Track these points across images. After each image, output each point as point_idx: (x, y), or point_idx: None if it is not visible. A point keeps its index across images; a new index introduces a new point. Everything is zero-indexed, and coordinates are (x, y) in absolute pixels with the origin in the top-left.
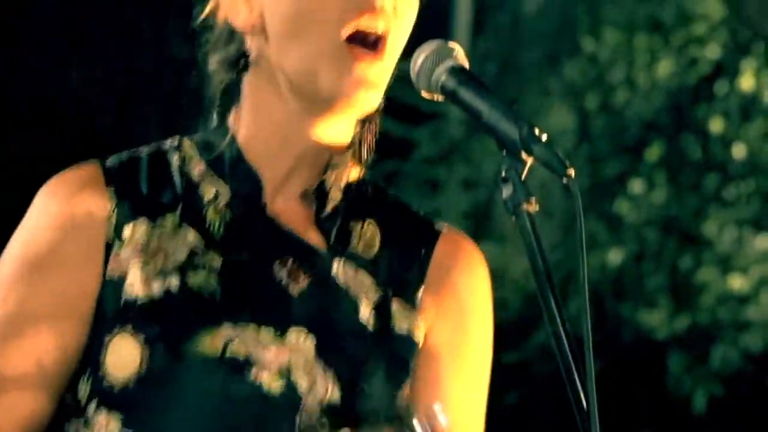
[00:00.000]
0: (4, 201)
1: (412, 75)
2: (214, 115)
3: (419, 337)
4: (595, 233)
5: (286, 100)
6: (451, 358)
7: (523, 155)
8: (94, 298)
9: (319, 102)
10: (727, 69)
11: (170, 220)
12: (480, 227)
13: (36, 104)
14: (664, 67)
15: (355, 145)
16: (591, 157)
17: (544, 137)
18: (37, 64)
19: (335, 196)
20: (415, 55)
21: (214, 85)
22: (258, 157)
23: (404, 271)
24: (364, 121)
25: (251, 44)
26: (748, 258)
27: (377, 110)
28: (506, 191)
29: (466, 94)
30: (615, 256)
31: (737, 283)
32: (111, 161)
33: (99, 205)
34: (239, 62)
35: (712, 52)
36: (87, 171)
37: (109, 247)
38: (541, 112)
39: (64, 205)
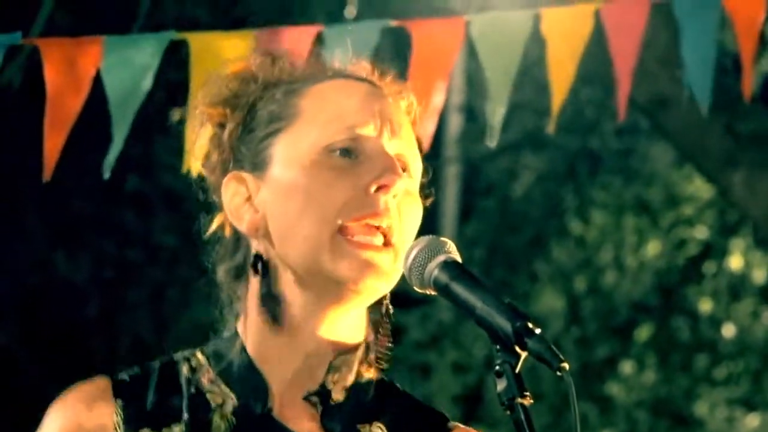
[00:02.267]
0: None
1: (405, 271)
2: (225, 324)
3: None
4: (587, 415)
5: (295, 297)
6: None
7: (517, 349)
8: None
9: (328, 292)
10: (715, 249)
11: (176, 430)
12: (471, 410)
13: (23, 293)
14: (653, 248)
15: (362, 347)
16: (581, 339)
17: (538, 331)
18: (24, 254)
19: (337, 398)
20: (408, 249)
21: (222, 294)
22: (266, 361)
23: None
24: (376, 323)
25: (258, 247)
26: None
27: (387, 311)
28: (500, 385)
29: (459, 289)
30: None
31: None
32: (122, 375)
33: (107, 418)
34: (255, 267)
35: (701, 232)
36: (96, 385)
37: None
38: (530, 295)
39: (74, 421)
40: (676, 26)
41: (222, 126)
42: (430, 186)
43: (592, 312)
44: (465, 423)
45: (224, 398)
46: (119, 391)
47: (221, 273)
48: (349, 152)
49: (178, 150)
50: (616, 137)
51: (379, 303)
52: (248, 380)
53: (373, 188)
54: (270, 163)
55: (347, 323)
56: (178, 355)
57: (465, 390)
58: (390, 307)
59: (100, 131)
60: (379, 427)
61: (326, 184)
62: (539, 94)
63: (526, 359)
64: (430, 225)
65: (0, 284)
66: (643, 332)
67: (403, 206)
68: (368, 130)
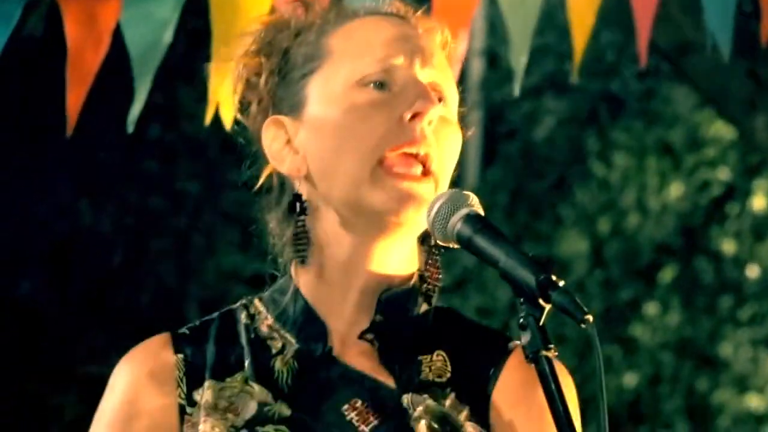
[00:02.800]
0: (9, 338)
1: (428, 224)
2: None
3: None
4: (611, 357)
5: (341, 236)
6: None
7: (541, 302)
8: None
9: (372, 226)
10: (738, 190)
11: (238, 378)
12: None
13: (48, 243)
14: (676, 190)
15: (414, 279)
16: (605, 281)
17: (561, 283)
18: (48, 204)
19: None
20: (430, 204)
21: (276, 241)
22: (322, 302)
23: (477, 392)
24: (428, 251)
25: (301, 189)
26: (765, 377)
27: (436, 243)
28: (524, 338)
29: (482, 242)
30: (631, 380)
31: (754, 402)
32: (183, 329)
33: (168, 374)
34: (293, 206)
35: (723, 174)
36: (157, 342)
37: (183, 412)
38: (554, 238)
39: (138, 380)
40: None
41: (258, 74)
42: (465, 119)
43: (615, 254)
44: None
45: (284, 343)
46: (179, 345)
47: (272, 220)
48: (382, 84)
49: (200, 98)
50: (638, 80)
51: (427, 234)
52: (306, 323)
53: (407, 116)
54: (306, 103)
55: (398, 256)
56: (238, 304)
57: None
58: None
59: (122, 85)
60: (441, 355)
61: (361, 118)
62: (561, 38)
63: (550, 312)
64: (453, 171)
65: (25, 234)
66: (667, 274)
67: (440, 133)
68: (399, 61)
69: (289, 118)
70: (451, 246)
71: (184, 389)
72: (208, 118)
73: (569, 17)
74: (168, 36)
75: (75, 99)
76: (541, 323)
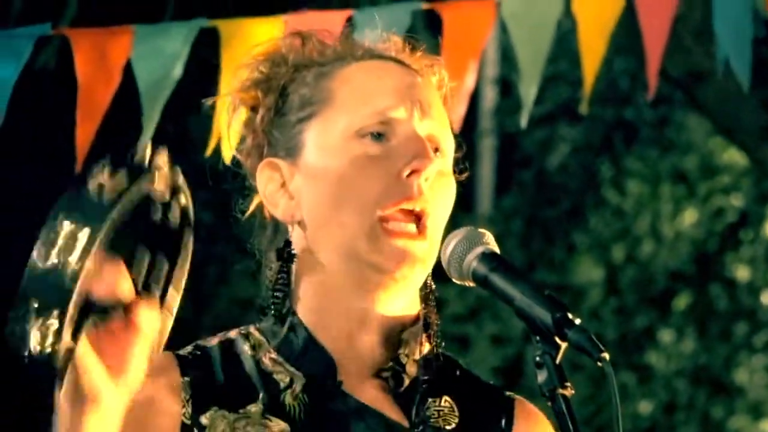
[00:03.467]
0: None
1: (443, 262)
2: (274, 304)
3: None
4: (626, 384)
5: (338, 282)
6: None
7: (557, 340)
8: None
9: (369, 280)
10: (752, 217)
11: (253, 410)
12: (510, 382)
13: None
14: (689, 217)
15: (422, 321)
16: (619, 309)
17: (577, 321)
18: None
19: (411, 372)
20: (446, 242)
21: (269, 276)
22: (326, 336)
23: None
24: (425, 296)
25: (293, 234)
26: None
27: (430, 287)
28: (541, 376)
29: (498, 280)
30: (646, 407)
31: None
32: (184, 352)
33: (174, 394)
34: (282, 254)
35: (737, 200)
36: (162, 360)
37: (186, 430)
38: (568, 266)
39: (140, 392)
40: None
41: (255, 110)
42: (465, 160)
43: (630, 282)
44: None
45: (291, 377)
46: (185, 368)
47: (270, 259)
48: (381, 136)
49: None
50: (651, 108)
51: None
52: (313, 356)
53: (405, 173)
54: (303, 149)
55: (399, 304)
56: (233, 334)
57: (504, 362)
58: (432, 283)
59: (132, 118)
60: (448, 401)
61: (360, 172)
62: (574, 65)
63: (566, 350)
64: (467, 199)
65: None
66: (682, 301)
67: (436, 187)
68: (399, 113)
69: (285, 162)
70: (467, 284)
71: (189, 410)
72: (210, 150)
73: (580, 47)
74: (178, 70)
75: (85, 134)
76: (557, 361)
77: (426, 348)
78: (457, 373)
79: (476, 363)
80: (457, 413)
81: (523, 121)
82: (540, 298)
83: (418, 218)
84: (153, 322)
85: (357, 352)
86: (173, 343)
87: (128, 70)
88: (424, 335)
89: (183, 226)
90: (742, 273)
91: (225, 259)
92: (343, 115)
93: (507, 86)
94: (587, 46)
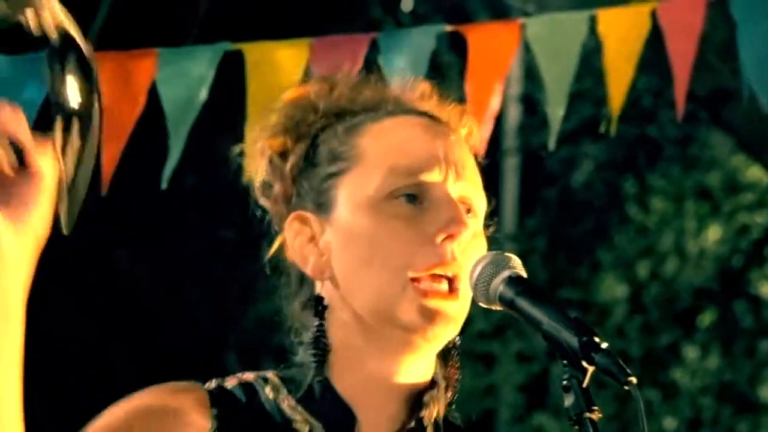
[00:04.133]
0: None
1: (470, 286)
2: (299, 352)
3: None
4: (651, 401)
5: (361, 344)
6: None
7: (584, 364)
8: None
9: (398, 341)
10: None
11: None
12: (536, 400)
13: (85, 286)
14: (714, 234)
15: (440, 381)
16: (644, 326)
17: (605, 345)
18: (86, 249)
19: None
20: (473, 266)
21: (294, 325)
22: (346, 391)
23: None
24: (445, 359)
25: (322, 289)
26: None
27: (456, 347)
28: (568, 400)
29: (525, 304)
30: (671, 424)
31: None
32: (210, 387)
33: (203, 415)
34: (316, 308)
35: (761, 217)
36: (191, 388)
37: None
38: (592, 283)
39: (167, 401)
40: (733, 23)
41: (283, 156)
42: (492, 217)
43: (654, 299)
44: (529, 413)
45: (311, 427)
46: (214, 400)
47: (291, 305)
48: (414, 198)
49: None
50: (675, 125)
51: None
52: (334, 409)
53: (440, 238)
54: (334, 206)
55: (422, 367)
56: (249, 377)
57: (529, 379)
58: (458, 340)
59: (157, 139)
60: None
61: (392, 234)
62: (598, 83)
63: (593, 374)
64: (491, 217)
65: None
66: (706, 318)
67: (468, 250)
68: (433, 176)
69: (314, 216)
70: (493, 308)
71: None
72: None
73: (606, 68)
74: (203, 93)
75: (110, 156)
76: (584, 385)
77: (442, 409)
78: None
79: (502, 380)
80: None
81: (552, 143)
82: (567, 321)
83: (450, 281)
84: (52, 169)
85: (375, 411)
86: (200, 358)
87: (152, 93)
88: (443, 398)
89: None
90: (766, 290)
91: (249, 278)
92: (376, 175)
93: (530, 104)
94: (613, 67)
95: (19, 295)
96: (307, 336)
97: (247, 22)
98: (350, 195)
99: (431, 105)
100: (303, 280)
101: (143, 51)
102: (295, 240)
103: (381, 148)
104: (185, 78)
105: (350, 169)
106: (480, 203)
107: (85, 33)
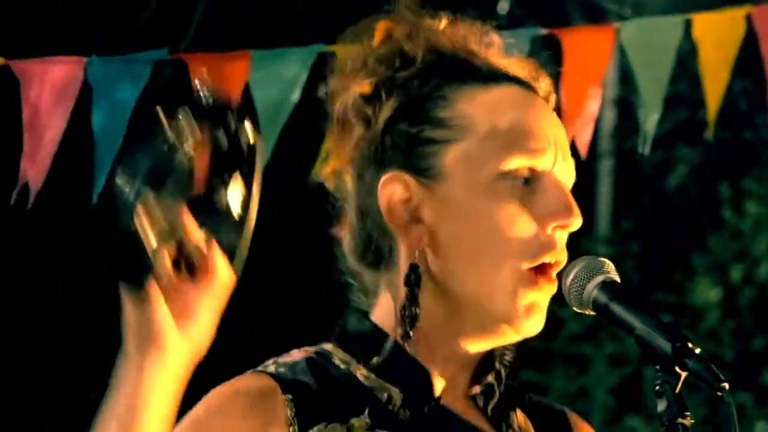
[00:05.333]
0: None
1: (564, 291)
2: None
3: None
4: (743, 405)
5: (446, 317)
6: None
7: (677, 369)
8: None
9: (486, 324)
10: None
11: (357, 423)
12: (628, 403)
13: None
14: None
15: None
16: (737, 329)
17: (698, 350)
18: None
19: (496, 391)
20: (566, 270)
21: (354, 281)
22: (421, 359)
23: None
24: None
25: (417, 258)
26: None
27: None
28: (660, 405)
29: (618, 309)
30: (763, 429)
31: None
32: (276, 370)
33: (280, 412)
34: (409, 276)
35: None
36: (259, 381)
37: None
38: (686, 287)
39: (245, 420)
40: None
41: (371, 101)
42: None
43: (748, 302)
44: (621, 416)
45: (389, 392)
46: (285, 386)
47: (354, 259)
48: (528, 180)
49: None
50: None
51: None
52: (410, 372)
53: (551, 226)
54: (441, 177)
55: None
56: (313, 350)
57: (622, 382)
58: None
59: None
60: (521, 414)
61: (508, 219)
62: (693, 86)
63: (686, 379)
64: (585, 221)
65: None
66: None
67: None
68: (547, 158)
69: (415, 181)
70: (587, 312)
71: (296, 428)
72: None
73: (702, 72)
74: (296, 95)
75: (203, 157)
76: (677, 390)
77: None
78: (516, 389)
79: (594, 383)
80: (530, 424)
81: (647, 148)
82: (660, 327)
83: (552, 269)
84: (225, 276)
85: (447, 378)
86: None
87: (246, 94)
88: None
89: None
90: None
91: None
92: (490, 152)
93: (625, 107)
94: (710, 71)
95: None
96: (372, 293)
97: (340, 24)
98: (463, 170)
99: (528, 72)
100: (378, 232)
101: (237, 53)
102: (393, 201)
103: (493, 122)
104: (278, 79)
105: (459, 140)
106: (572, 180)
107: (180, 35)
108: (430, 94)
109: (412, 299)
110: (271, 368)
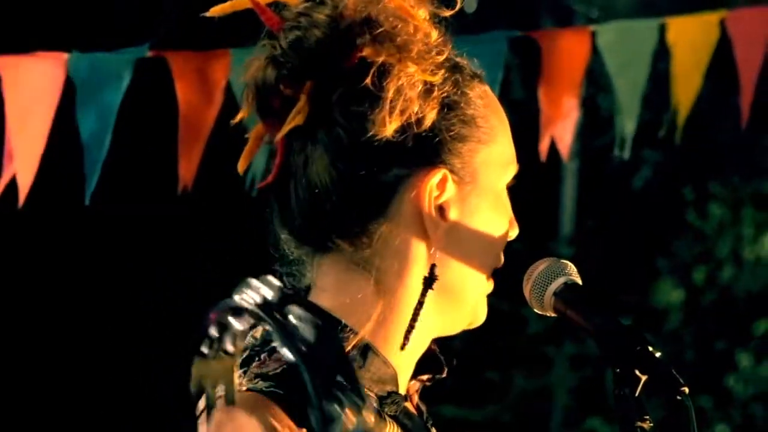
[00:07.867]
0: None
1: (525, 292)
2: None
3: None
4: (703, 408)
5: (436, 313)
6: None
7: (637, 373)
8: None
9: (457, 323)
10: None
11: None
12: (589, 404)
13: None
14: None
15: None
16: (699, 332)
17: (658, 354)
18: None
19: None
20: (528, 272)
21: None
22: (390, 356)
23: None
24: None
25: (435, 256)
26: None
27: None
28: (620, 409)
29: (579, 312)
30: (723, 431)
31: None
32: (265, 389)
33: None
34: (430, 282)
35: None
36: (271, 411)
37: None
38: (649, 288)
39: None
40: None
41: (431, 96)
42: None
43: (710, 305)
44: (582, 416)
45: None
46: (290, 412)
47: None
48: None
49: None
50: (736, 133)
51: None
52: (380, 371)
53: (510, 238)
54: (471, 179)
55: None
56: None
57: (583, 383)
58: None
59: (236, 141)
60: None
61: (502, 227)
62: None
63: (646, 382)
64: (551, 221)
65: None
66: (762, 325)
67: None
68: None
69: (451, 179)
70: (548, 314)
71: None
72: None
73: (674, 76)
74: None
75: (188, 156)
76: (636, 394)
77: None
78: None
79: (556, 383)
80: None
81: (626, 152)
82: (620, 329)
83: None
84: None
85: (405, 370)
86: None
87: (228, 92)
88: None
89: None
90: None
91: None
92: (504, 161)
93: (590, 108)
94: (682, 74)
95: None
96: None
97: None
98: (487, 178)
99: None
100: (375, 230)
101: (218, 51)
102: (432, 195)
103: (504, 132)
104: None
105: (488, 143)
106: None
107: (159, 32)
108: (453, 88)
109: (423, 302)
110: (258, 385)
